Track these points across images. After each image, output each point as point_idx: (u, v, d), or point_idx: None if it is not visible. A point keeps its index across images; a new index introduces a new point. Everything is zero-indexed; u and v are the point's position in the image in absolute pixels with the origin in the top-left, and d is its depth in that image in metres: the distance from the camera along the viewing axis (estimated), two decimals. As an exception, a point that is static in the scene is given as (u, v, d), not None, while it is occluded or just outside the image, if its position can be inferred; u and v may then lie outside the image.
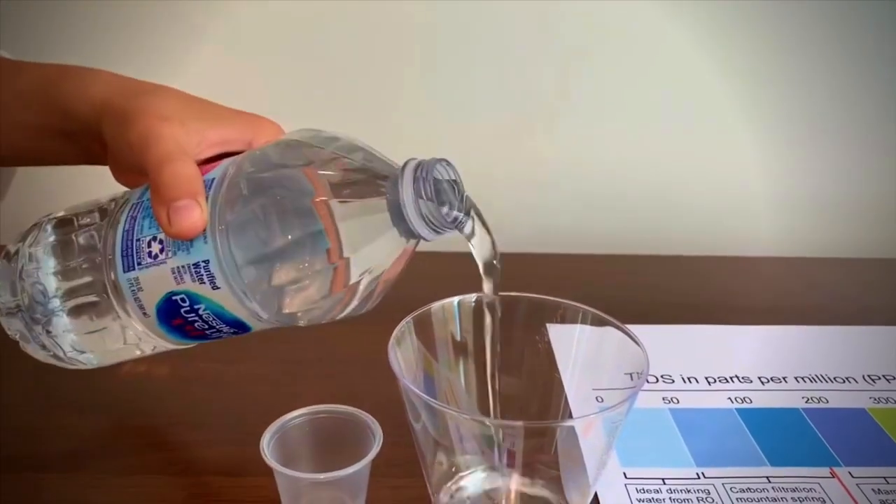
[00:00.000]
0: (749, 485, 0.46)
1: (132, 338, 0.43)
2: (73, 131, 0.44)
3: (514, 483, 0.44)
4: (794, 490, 0.46)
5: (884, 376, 0.57)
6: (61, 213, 0.45)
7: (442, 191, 0.38)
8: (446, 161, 0.39)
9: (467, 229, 0.40)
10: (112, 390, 0.55)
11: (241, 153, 0.43)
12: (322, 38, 0.75)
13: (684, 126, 0.79)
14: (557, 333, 0.48)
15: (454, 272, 0.71)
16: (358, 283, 0.38)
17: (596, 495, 0.45)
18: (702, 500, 0.45)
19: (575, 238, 0.81)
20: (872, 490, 0.46)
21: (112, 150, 0.43)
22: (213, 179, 0.39)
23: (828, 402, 0.54)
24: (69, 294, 0.43)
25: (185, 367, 0.57)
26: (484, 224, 0.41)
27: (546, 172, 0.80)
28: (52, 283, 0.43)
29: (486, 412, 0.46)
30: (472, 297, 0.48)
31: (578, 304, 0.47)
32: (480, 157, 0.79)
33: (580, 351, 0.47)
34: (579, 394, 0.48)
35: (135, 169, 0.41)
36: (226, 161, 0.40)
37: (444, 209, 0.38)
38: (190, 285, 0.38)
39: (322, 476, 0.40)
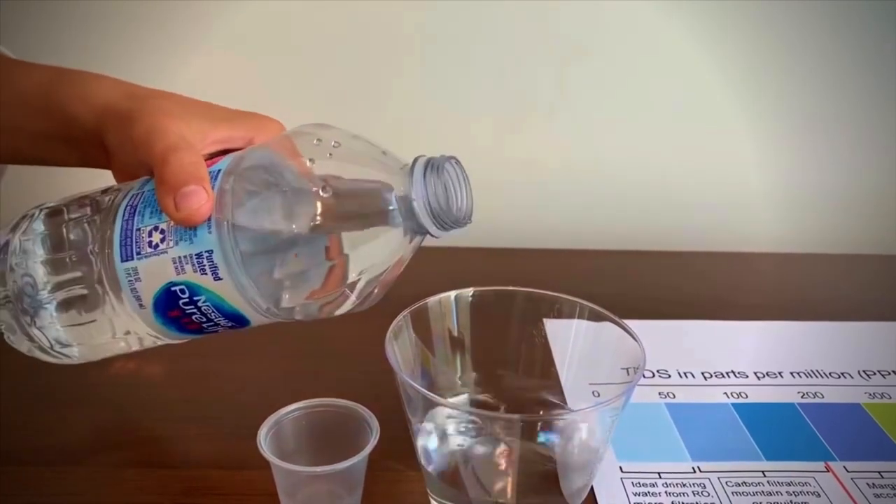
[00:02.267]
0: (744, 479, 0.46)
1: (121, 331, 0.43)
2: (73, 137, 0.44)
3: (512, 477, 0.44)
4: (789, 484, 0.46)
5: (879, 371, 0.57)
6: (53, 204, 0.45)
7: (451, 189, 0.38)
8: (455, 159, 0.39)
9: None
10: (109, 384, 0.55)
11: None
12: (321, 34, 0.75)
13: (682, 123, 0.79)
14: (554, 328, 0.48)
15: (451, 267, 0.72)
16: (357, 280, 0.38)
17: (592, 489, 0.45)
18: (697, 494, 0.45)
19: (572, 234, 0.81)
20: (867, 484, 0.46)
21: (115, 152, 0.43)
22: (219, 171, 0.39)
23: (823, 397, 0.54)
24: (58, 286, 0.42)
25: (183, 361, 0.57)
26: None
27: (544, 168, 0.80)
28: (41, 275, 0.42)
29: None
30: (470, 291, 0.48)
31: (575, 299, 0.47)
32: (478, 152, 0.79)
33: (577, 346, 0.48)
34: (576, 388, 0.48)
35: (140, 167, 0.42)
36: (230, 154, 0.40)
37: (454, 206, 0.38)
38: (191, 276, 0.38)
39: (319, 469, 0.40)
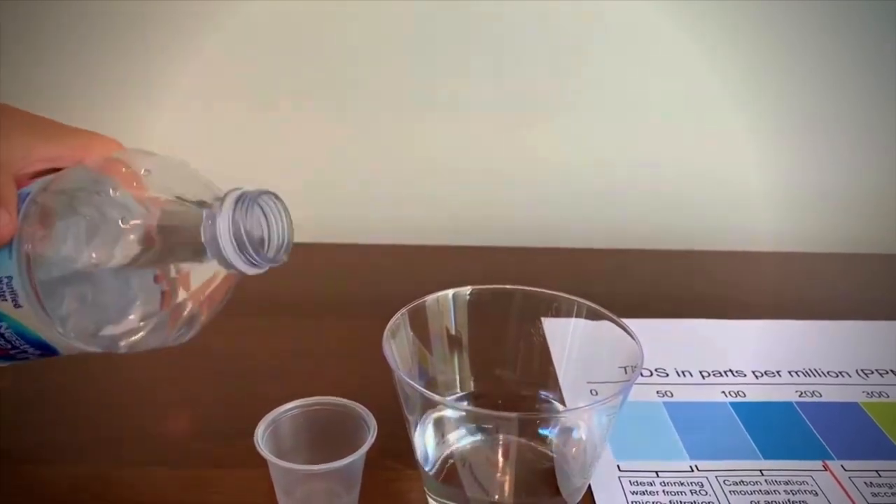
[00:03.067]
0: (742, 478, 0.47)
1: None
2: None
3: (509, 476, 0.44)
4: (786, 483, 0.46)
5: (877, 370, 0.57)
6: None
7: (263, 225, 0.36)
8: (273, 194, 0.37)
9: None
10: (109, 384, 0.55)
11: None
12: (321, 34, 0.75)
13: (682, 121, 0.79)
14: (552, 327, 0.48)
15: (450, 266, 0.72)
16: (172, 310, 0.37)
17: (590, 488, 0.45)
18: (695, 492, 0.45)
19: (572, 234, 0.81)
20: (864, 483, 0.46)
21: None
22: (28, 193, 0.38)
23: (821, 395, 0.54)
24: None
25: (181, 360, 0.57)
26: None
27: (544, 168, 0.80)
28: None
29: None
30: (467, 289, 0.48)
31: (573, 298, 0.47)
32: (478, 152, 0.80)
33: (575, 344, 0.48)
34: (574, 387, 0.48)
35: None
36: (47, 176, 0.39)
37: (265, 245, 0.36)
38: None
39: (316, 468, 0.40)
